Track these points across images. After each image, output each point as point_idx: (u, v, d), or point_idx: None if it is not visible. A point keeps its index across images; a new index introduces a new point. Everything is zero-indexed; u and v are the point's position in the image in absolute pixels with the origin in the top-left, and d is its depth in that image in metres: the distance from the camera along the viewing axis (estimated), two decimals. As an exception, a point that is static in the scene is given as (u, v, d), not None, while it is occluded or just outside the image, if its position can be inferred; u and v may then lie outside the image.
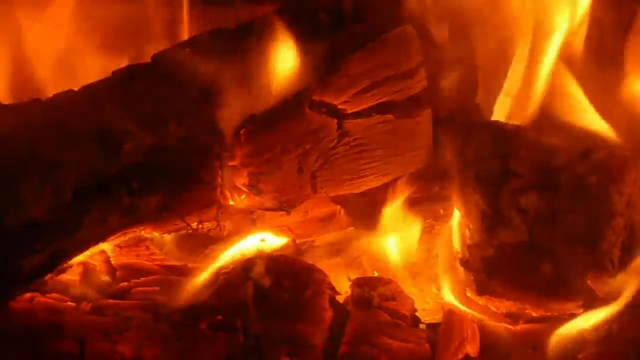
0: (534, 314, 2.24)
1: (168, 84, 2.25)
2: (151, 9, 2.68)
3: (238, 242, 2.40)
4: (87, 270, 2.33)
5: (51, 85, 2.53)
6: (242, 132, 2.25)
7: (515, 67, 2.48)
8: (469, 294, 2.29)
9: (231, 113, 2.25)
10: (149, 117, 2.18)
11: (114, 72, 2.27)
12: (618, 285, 2.17)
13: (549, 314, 2.22)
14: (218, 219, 2.28)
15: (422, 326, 2.24)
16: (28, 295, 2.17)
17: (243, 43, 2.32)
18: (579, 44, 2.51)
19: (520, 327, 2.25)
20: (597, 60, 2.53)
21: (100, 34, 2.67)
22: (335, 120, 2.33)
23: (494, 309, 2.27)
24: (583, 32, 2.50)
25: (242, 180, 2.27)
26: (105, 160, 2.12)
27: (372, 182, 2.41)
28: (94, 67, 2.56)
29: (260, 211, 2.38)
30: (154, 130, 2.17)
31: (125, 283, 2.33)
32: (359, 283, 2.26)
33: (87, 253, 2.18)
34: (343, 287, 2.27)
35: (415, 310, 2.26)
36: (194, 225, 2.26)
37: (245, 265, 2.21)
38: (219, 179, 2.24)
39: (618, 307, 2.15)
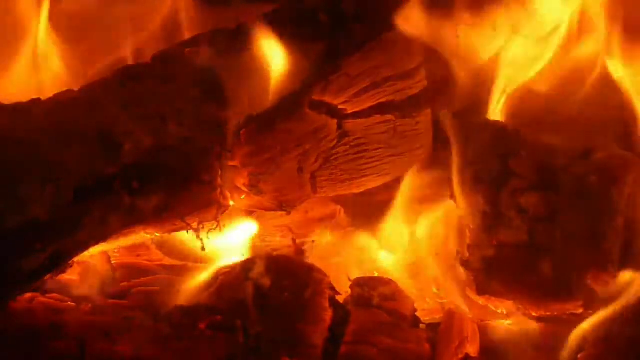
0: (534, 314, 2.24)
1: (168, 83, 2.25)
2: (152, 9, 2.68)
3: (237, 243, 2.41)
4: (87, 270, 2.33)
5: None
6: (242, 132, 2.25)
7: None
8: (469, 294, 2.29)
9: (231, 113, 2.25)
10: (149, 117, 2.18)
11: (113, 72, 2.27)
12: (618, 285, 2.18)
13: (549, 314, 2.22)
14: (218, 219, 2.28)
15: (422, 326, 2.24)
16: (28, 295, 2.17)
17: (243, 43, 2.32)
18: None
19: (520, 327, 2.24)
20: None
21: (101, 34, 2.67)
22: (335, 121, 2.33)
23: (494, 309, 2.27)
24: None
25: (242, 180, 2.27)
26: (106, 160, 2.13)
27: (372, 182, 2.41)
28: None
29: (260, 211, 2.38)
30: (154, 130, 2.17)
31: (125, 283, 2.33)
32: (359, 283, 2.25)
33: (87, 253, 2.18)
34: (343, 287, 2.27)
35: (415, 310, 2.26)
36: (194, 225, 2.26)
37: (245, 265, 2.21)
38: (219, 179, 2.24)
39: (618, 307, 2.15)
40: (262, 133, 2.26)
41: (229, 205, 2.29)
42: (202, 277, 2.27)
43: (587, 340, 2.14)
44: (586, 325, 2.15)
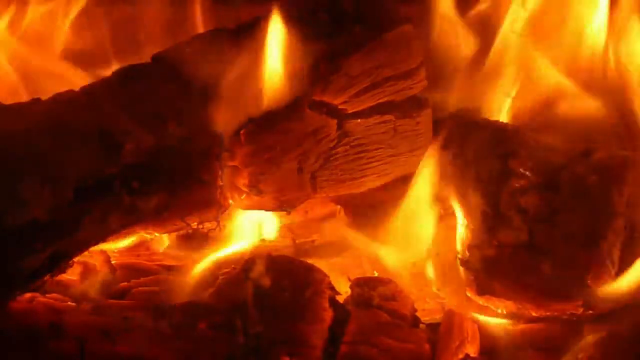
0: (534, 314, 2.24)
1: (168, 83, 2.25)
2: (152, 9, 2.69)
3: (238, 242, 2.40)
4: (87, 270, 2.33)
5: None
6: (242, 132, 2.25)
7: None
8: (469, 294, 2.28)
9: (231, 113, 2.25)
10: (149, 117, 2.18)
11: (114, 72, 2.27)
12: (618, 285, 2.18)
13: (549, 314, 2.22)
14: (218, 219, 2.28)
15: (422, 326, 2.24)
16: (28, 295, 2.17)
17: (243, 43, 2.32)
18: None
19: (520, 327, 2.24)
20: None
21: (101, 34, 2.68)
22: (335, 121, 2.34)
23: (494, 309, 2.27)
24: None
25: (242, 180, 2.27)
26: (106, 160, 2.13)
27: (372, 182, 2.41)
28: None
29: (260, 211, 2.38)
30: (154, 130, 2.17)
31: (125, 283, 2.33)
32: (359, 283, 2.25)
33: (87, 253, 2.18)
34: (343, 287, 2.27)
35: (415, 310, 2.25)
36: (194, 225, 2.26)
37: (245, 265, 2.21)
38: (219, 179, 2.24)
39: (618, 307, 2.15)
40: (262, 133, 2.26)
41: (229, 205, 2.29)
42: (202, 277, 2.27)
43: (587, 340, 2.14)
44: (588, 329, 2.15)
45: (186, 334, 2.11)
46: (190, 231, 2.28)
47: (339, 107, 2.34)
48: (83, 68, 2.63)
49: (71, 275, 2.29)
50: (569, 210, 2.20)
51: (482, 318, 2.26)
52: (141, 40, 2.60)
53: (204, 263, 2.33)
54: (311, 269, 2.24)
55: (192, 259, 2.36)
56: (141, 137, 2.15)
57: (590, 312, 2.18)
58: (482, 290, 2.25)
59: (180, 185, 2.20)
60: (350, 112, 2.35)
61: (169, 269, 2.39)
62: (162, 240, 2.43)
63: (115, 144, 2.13)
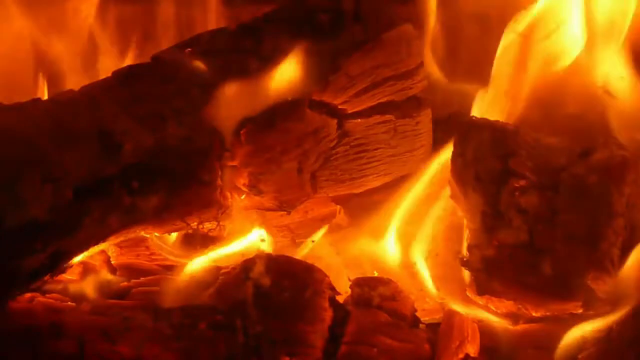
0: (534, 314, 2.24)
1: (168, 83, 2.25)
2: (152, 9, 2.69)
3: (238, 242, 2.40)
4: (87, 270, 2.33)
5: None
6: (242, 132, 2.25)
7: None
8: (469, 294, 2.29)
9: (231, 113, 2.25)
10: (149, 117, 2.18)
11: (114, 72, 2.27)
12: (618, 285, 2.18)
13: (549, 314, 2.22)
14: (218, 219, 2.28)
15: (422, 326, 2.24)
16: (28, 295, 2.17)
17: (243, 43, 2.32)
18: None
19: (520, 327, 2.24)
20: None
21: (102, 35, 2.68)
22: (335, 120, 2.34)
23: (494, 309, 2.27)
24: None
25: (242, 180, 2.27)
26: (105, 160, 2.13)
27: (372, 182, 2.41)
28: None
29: (260, 211, 2.38)
30: (154, 130, 2.17)
31: (125, 283, 2.33)
32: (359, 283, 2.25)
33: (87, 253, 2.18)
34: (343, 287, 2.27)
35: (415, 310, 2.26)
36: (194, 225, 2.26)
37: (245, 265, 2.21)
38: (219, 179, 2.24)
39: (618, 307, 2.15)
40: (262, 133, 2.26)
41: (229, 206, 2.29)
42: (202, 277, 2.27)
43: (587, 340, 2.14)
44: (586, 326, 2.15)
45: (186, 334, 2.11)
46: (190, 231, 2.28)
47: (339, 107, 2.34)
48: (83, 67, 2.63)
49: (71, 275, 2.29)
50: (569, 210, 2.20)
51: (482, 318, 2.26)
52: (142, 40, 2.60)
53: (204, 263, 2.33)
54: (311, 269, 2.24)
55: (192, 259, 2.36)
56: (141, 137, 2.15)
57: (591, 312, 2.18)
58: (482, 290, 2.25)
59: (180, 185, 2.20)
60: (350, 112, 2.35)
61: (169, 269, 2.39)
62: (163, 240, 2.43)
63: (115, 144, 2.13)
